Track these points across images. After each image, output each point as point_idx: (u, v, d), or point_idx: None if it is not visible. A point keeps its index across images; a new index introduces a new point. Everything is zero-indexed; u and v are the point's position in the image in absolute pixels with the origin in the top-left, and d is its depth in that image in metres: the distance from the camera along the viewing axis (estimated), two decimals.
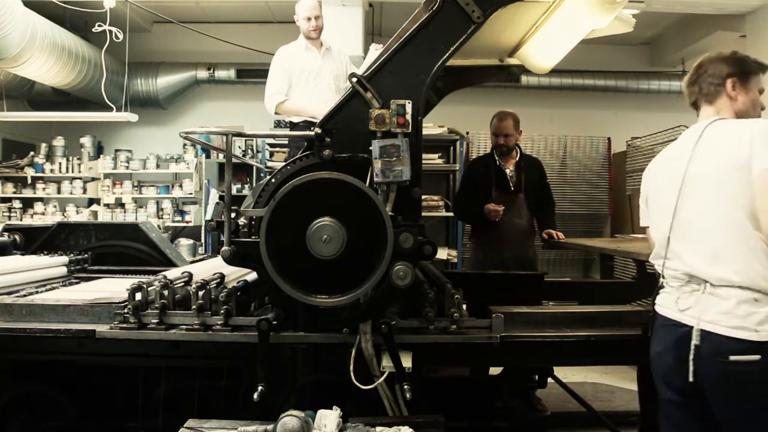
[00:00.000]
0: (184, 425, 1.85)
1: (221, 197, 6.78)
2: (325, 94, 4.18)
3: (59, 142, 7.99)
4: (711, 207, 1.75)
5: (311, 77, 4.29)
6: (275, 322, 1.94)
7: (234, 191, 2.00)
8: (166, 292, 2.05)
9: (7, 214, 7.68)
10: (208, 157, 7.67)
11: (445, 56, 1.99)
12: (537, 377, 3.40)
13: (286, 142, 6.40)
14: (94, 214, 7.57)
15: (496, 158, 4.12)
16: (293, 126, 4.32)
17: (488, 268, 3.85)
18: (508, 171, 4.10)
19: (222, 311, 2.00)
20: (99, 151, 8.25)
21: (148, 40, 8.21)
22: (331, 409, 1.77)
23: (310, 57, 4.32)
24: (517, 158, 4.14)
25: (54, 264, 2.98)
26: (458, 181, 6.38)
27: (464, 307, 2.04)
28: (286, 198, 1.87)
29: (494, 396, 2.79)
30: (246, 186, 7.42)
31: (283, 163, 2.09)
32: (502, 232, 3.96)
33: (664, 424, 1.89)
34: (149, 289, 2.06)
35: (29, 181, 7.80)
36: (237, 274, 2.39)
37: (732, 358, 1.65)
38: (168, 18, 6.90)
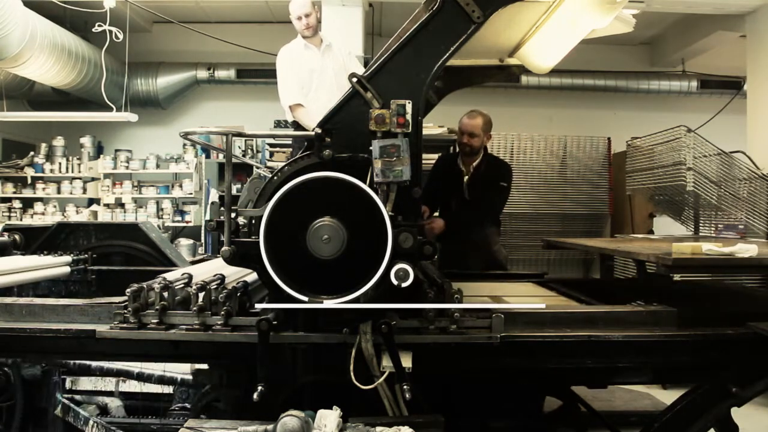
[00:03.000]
0: (184, 425, 1.85)
1: (221, 197, 6.78)
2: (328, 92, 4.18)
3: (59, 142, 8.00)
4: None
5: (314, 76, 4.29)
6: (275, 322, 1.94)
7: (234, 191, 2.00)
8: (166, 294, 2.05)
9: (7, 214, 7.69)
10: (208, 157, 7.68)
11: (446, 56, 1.99)
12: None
13: (286, 142, 6.42)
14: (94, 214, 7.58)
15: (459, 161, 4.00)
16: (297, 126, 4.32)
17: (457, 266, 3.73)
18: (465, 179, 3.95)
19: (222, 311, 2.00)
20: (99, 151, 8.27)
21: (148, 40, 8.22)
22: (331, 409, 1.77)
23: (311, 56, 4.32)
24: (477, 162, 3.95)
25: (57, 264, 2.98)
26: None
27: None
28: (285, 198, 1.87)
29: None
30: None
31: (284, 163, 2.09)
32: (463, 240, 3.89)
33: None
34: (149, 291, 2.06)
35: (29, 181, 7.81)
36: (237, 275, 2.38)
37: None
38: (168, 18, 6.90)
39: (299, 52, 4.31)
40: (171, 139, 7.81)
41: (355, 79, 1.96)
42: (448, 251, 3.92)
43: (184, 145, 7.75)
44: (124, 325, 2.02)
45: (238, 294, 2.09)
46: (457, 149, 4.09)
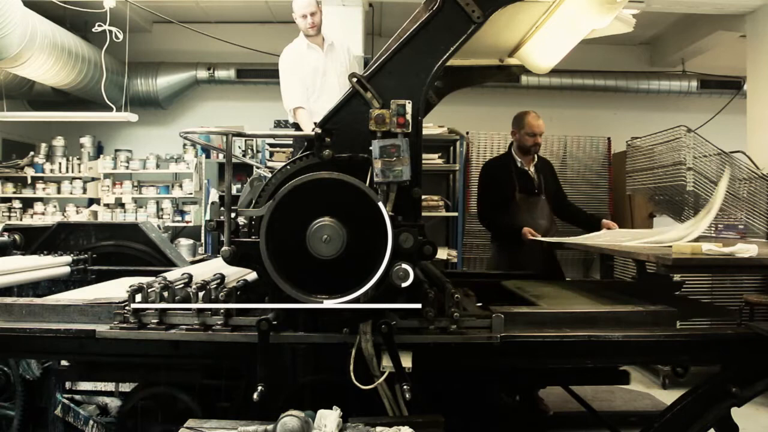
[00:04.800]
0: (184, 425, 1.85)
1: (221, 197, 6.78)
2: (331, 92, 4.18)
3: (59, 142, 7.99)
4: None
5: (317, 76, 4.29)
6: (275, 322, 1.94)
7: (234, 191, 2.00)
8: (166, 293, 2.05)
9: (7, 214, 7.69)
10: (208, 157, 7.67)
11: (445, 56, 1.99)
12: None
13: (286, 142, 6.42)
14: (94, 214, 7.58)
15: (518, 159, 4.09)
16: (298, 126, 4.32)
17: (512, 269, 3.78)
18: (530, 172, 4.07)
19: (222, 311, 2.00)
20: (99, 151, 8.26)
21: (148, 40, 8.21)
22: (331, 409, 1.77)
23: (314, 56, 4.31)
24: (536, 159, 4.12)
25: (57, 264, 2.98)
26: (458, 181, 6.39)
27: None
28: (286, 198, 1.87)
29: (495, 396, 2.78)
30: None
31: (284, 163, 2.09)
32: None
33: None
34: (149, 290, 2.06)
35: (29, 181, 7.80)
36: (237, 275, 2.39)
37: None
38: (168, 18, 6.90)
39: (303, 53, 4.30)
40: (171, 139, 7.80)
41: (355, 79, 1.96)
42: (509, 245, 3.99)
43: (184, 145, 7.74)
44: (124, 325, 2.02)
45: (238, 294, 2.09)
46: (514, 150, 4.14)
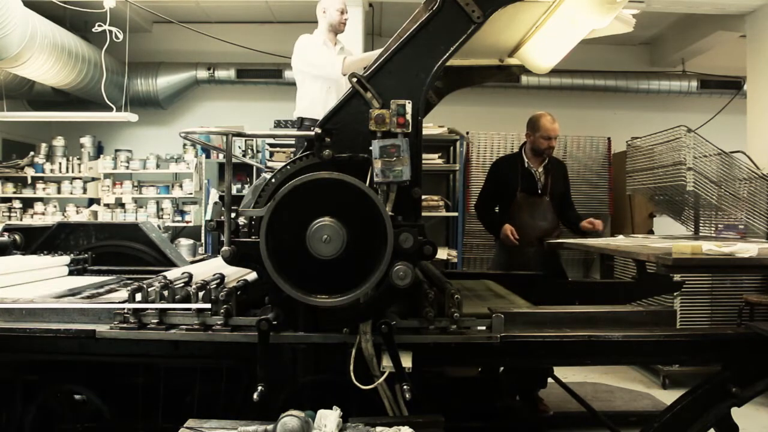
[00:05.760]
0: (184, 425, 1.85)
1: (221, 197, 6.78)
2: (338, 92, 4.18)
3: (59, 142, 7.99)
4: None
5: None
6: (275, 322, 1.94)
7: (234, 191, 2.00)
8: (166, 293, 2.05)
9: (7, 214, 7.68)
10: (208, 157, 7.67)
11: (445, 56, 1.99)
12: (537, 377, 3.41)
13: (286, 142, 6.42)
14: (94, 214, 7.58)
15: (525, 159, 4.10)
16: (301, 124, 4.31)
17: (512, 269, 3.82)
18: (536, 173, 4.07)
19: (222, 311, 2.00)
20: (99, 151, 8.26)
21: (148, 40, 8.21)
22: (331, 409, 1.77)
23: (328, 53, 4.32)
24: (546, 161, 4.12)
25: (56, 264, 2.98)
26: (458, 181, 6.39)
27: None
28: (286, 198, 1.87)
29: (495, 396, 2.79)
30: (246, 186, 7.43)
31: (284, 163, 2.10)
32: (526, 234, 3.99)
33: None
34: (149, 289, 2.06)
35: (29, 181, 7.80)
36: (237, 275, 2.39)
37: None
38: (168, 18, 6.90)
39: (318, 47, 4.32)
40: (171, 139, 7.80)
41: (355, 79, 1.96)
42: (519, 251, 4.01)
43: (184, 145, 7.74)
44: (124, 325, 2.02)
45: (238, 294, 2.09)
46: (524, 151, 4.18)
